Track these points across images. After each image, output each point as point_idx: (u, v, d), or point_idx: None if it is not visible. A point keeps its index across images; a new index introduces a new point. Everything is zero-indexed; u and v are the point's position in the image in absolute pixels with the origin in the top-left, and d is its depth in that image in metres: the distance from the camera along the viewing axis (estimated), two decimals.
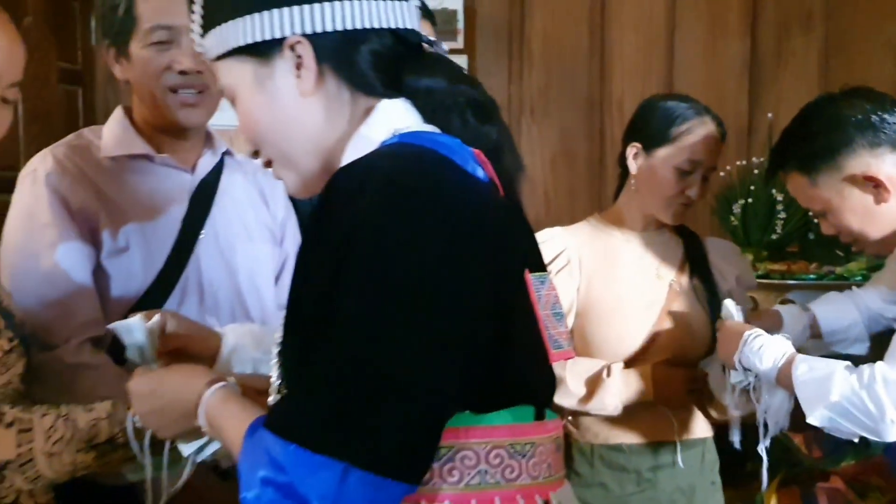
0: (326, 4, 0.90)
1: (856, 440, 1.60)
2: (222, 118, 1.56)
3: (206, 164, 1.56)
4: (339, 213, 0.82)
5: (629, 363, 1.71)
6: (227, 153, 1.60)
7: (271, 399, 0.93)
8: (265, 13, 0.91)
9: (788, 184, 1.61)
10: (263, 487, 0.77)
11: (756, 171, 2.92)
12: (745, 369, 1.57)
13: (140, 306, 1.42)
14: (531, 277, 0.92)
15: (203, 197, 1.53)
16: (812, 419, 1.48)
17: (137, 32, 1.46)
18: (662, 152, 1.73)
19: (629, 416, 1.69)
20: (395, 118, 0.92)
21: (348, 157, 0.91)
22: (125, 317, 1.17)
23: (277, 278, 1.61)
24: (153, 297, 1.44)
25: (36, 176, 1.43)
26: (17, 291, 1.37)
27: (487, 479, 0.87)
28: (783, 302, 2.83)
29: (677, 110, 1.74)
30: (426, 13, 1.76)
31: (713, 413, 1.75)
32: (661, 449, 1.73)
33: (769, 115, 3.18)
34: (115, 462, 1.09)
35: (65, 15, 3.26)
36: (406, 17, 0.95)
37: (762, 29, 3.36)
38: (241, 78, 0.95)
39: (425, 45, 0.98)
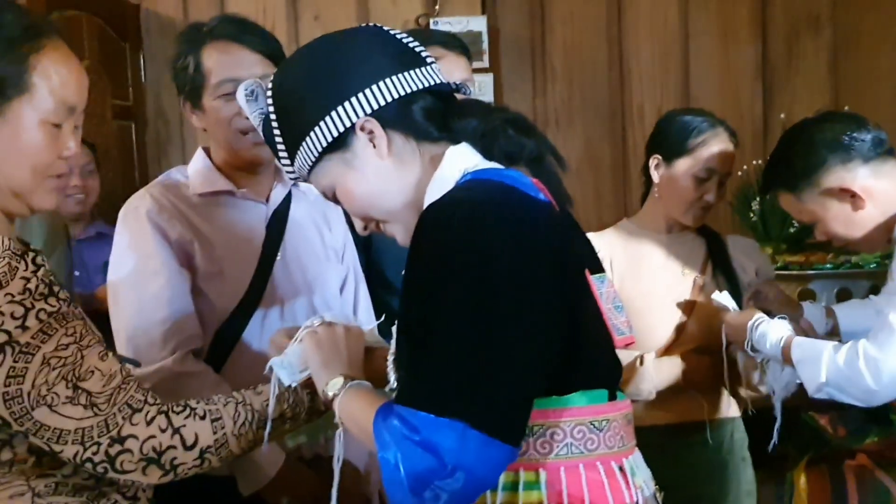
0: (379, 85, 1.12)
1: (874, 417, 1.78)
2: None
3: (277, 195, 1.76)
4: (433, 240, 1.03)
5: (661, 353, 1.90)
6: (294, 185, 1.81)
7: (387, 390, 1.14)
8: (332, 113, 1.12)
9: (780, 201, 1.82)
10: (402, 443, 0.96)
11: None
12: (755, 350, 1.78)
13: (232, 320, 1.64)
14: (592, 278, 1.12)
15: (277, 224, 1.74)
16: (812, 394, 1.69)
17: (207, 87, 1.66)
18: (681, 162, 1.92)
19: (662, 399, 1.87)
20: (462, 160, 1.14)
21: (430, 194, 1.12)
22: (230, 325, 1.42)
23: (341, 290, 1.82)
24: (242, 312, 1.64)
25: (137, 213, 1.64)
26: (128, 314, 1.58)
27: (573, 451, 1.06)
28: (804, 294, 2.98)
29: (693, 123, 1.93)
30: (463, 49, 1.96)
31: (743, 392, 1.93)
32: (693, 428, 1.91)
33: (782, 115, 3.34)
34: (285, 432, 1.25)
35: (116, 55, 3.50)
36: (435, 76, 1.17)
37: (772, 34, 3.51)
38: (333, 171, 1.16)
39: (456, 94, 1.20)
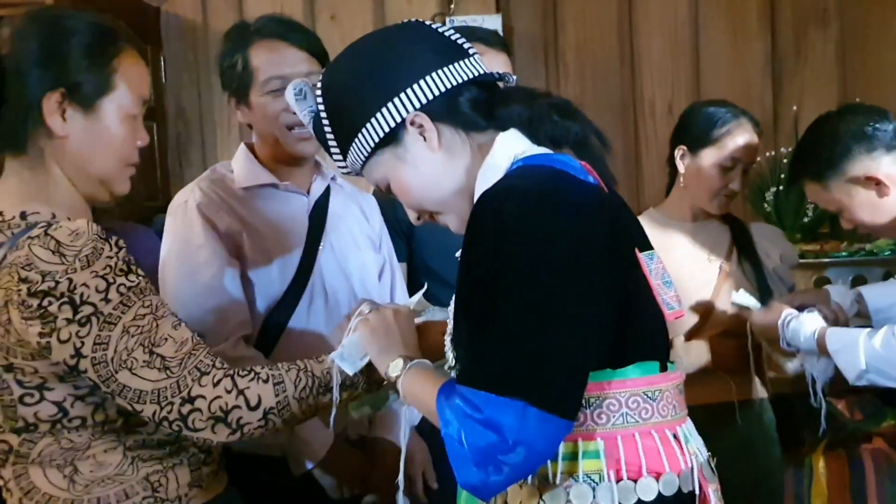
0: (426, 80, 1.16)
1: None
2: None
3: (317, 187, 1.82)
4: (489, 224, 1.06)
5: (689, 337, 1.96)
6: (332, 178, 1.87)
7: (446, 368, 1.19)
8: (383, 110, 1.16)
9: (806, 191, 1.89)
10: (465, 422, 1.00)
11: (785, 161, 3.12)
12: (790, 346, 1.83)
13: (280, 307, 1.70)
14: (641, 255, 1.16)
15: (318, 215, 1.80)
16: (853, 381, 1.74)
17: (255, 84, 1.71)
18: (706, 152, 1.98)
19: (692, 382, 1.88)
20: (512, 146, 1.18)
21: (481, 182, 1.16)
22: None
23: (380, 276, 1.88)
24: (289, 299, 1.71)
25: (187, 206, 1.69)
26: (182, 303, 1.62)
27: (628, 420, 1.10)
28: (819, 281, 3.05)
29: (717, 114, 1.99)
30: (503, 46, 2.02)
31: (771, 373, 1.99)
32: (722, 409, 1.96)
33: (794, 107, 3.40)
34: (344, 401, 1.31)
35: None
36: (478, 67, 1.21)
37: (780, 28, 3.56)
38: (386, 165, 1.20)
39: (499, 83, 1.24)
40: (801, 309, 1.87)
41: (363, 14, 3.50)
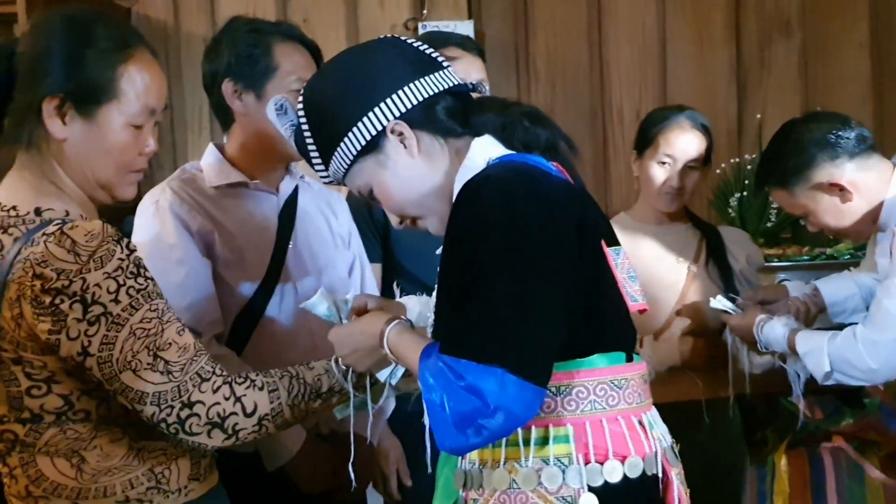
0: (404, 90, 1.22)
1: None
2: None
3: (286, 186, 1.83)
4: (468, 209, 1.13)
5: (658, 335, 2.00)
6: (301, 178, 1.88)
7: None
8: (364, 119, 1.22)
9: (773, 196, 1.95)
10: (448, 387, 1.05)
11: (749, 167, 3.20)
12: (767, 349, 1.89)
13: (251, 304, 1.71)
14: (608, 249, 1.22)
15: (288, 214, 1.81)
16: (822, 382, 1.80)
17: (276, 78, 1.72)
18: (647, 153, 2.07)
19: (660, 380, 1.96)
20: (487, 149, 1.24)
21: (459, 182, 1.21)
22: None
23: (350, 273, 1.90)
24: (260, 297, 1.71)
25: (159, 206, 1.69)
26: None
27: (596, 407, 1.17)
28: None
29: (659, 117, 2.08)
30: (479, 51, 2.06)
31: (734, 370, 2.04)
32: (690, 407, 2.00)
33: (757, 115, 3.48)
34: (333, 405, 1.34)
35: None
36: (452, 78, 1.27)
37: (745, 37, 3.63)
38: (368, 171, 1.25)
39: (472, 93, 1.31)
40: (763, 304, 1.92)
41: (335, 18, 3.51)
